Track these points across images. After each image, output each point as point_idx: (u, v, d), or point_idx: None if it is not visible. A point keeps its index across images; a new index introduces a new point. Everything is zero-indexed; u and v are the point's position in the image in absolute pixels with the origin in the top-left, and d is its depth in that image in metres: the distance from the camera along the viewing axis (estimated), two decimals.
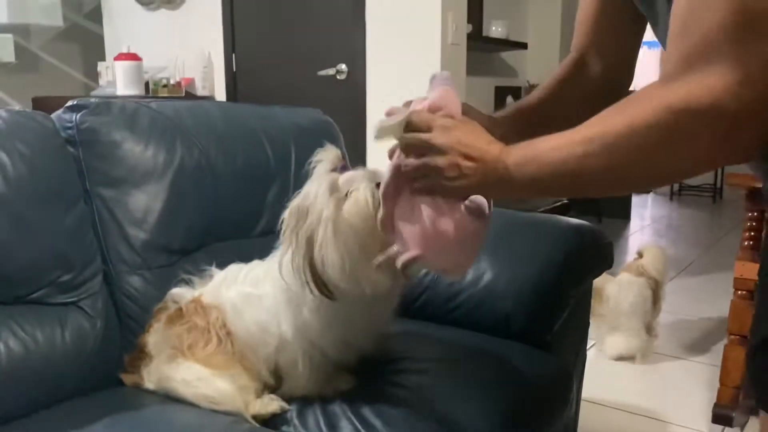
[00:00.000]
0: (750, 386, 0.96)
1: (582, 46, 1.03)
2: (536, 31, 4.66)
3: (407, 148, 0.84)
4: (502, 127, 0.80)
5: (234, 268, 1.16)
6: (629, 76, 1.03)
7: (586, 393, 1.70)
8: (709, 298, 3.18)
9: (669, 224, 5.46)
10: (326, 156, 0.99)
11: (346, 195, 0.94)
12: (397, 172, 0.87)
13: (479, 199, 0.81)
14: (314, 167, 0.99)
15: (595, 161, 0.70)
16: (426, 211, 0.84)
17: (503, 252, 1.42)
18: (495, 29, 4.11)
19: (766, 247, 0.90)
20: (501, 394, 1.14)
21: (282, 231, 0.99)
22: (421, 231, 0.85)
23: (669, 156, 0.67)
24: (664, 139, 0.65)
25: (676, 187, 6.80)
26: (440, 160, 0.80)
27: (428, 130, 0.82)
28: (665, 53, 0.67)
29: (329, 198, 0.94)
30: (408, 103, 0.90)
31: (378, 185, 0.95)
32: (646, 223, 5.46)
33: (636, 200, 6.08)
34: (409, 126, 0.84)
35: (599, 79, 1.02)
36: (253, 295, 1.09)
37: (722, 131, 0.63)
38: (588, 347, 1.73)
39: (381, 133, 0.87)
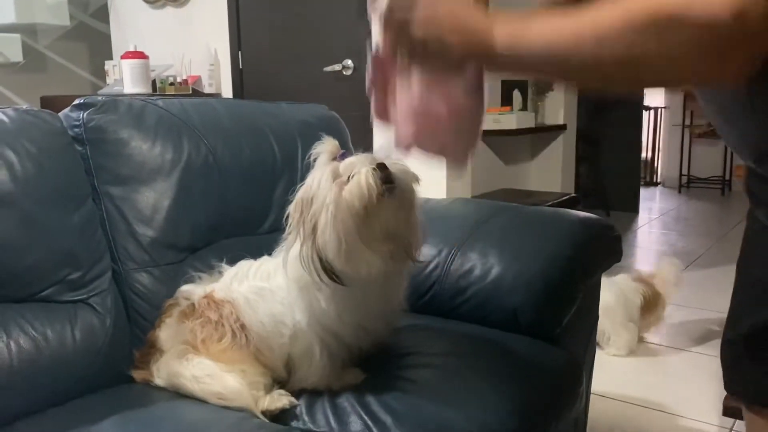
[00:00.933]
0: (734, 380, 0.95)
1: None
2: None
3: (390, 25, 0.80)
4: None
5: (244, 264, 1.17)
6: None
7: (595, 386, 1.70)
8: (718, 291, 3.17)
9: (677, 217, 5.43)
10: (325, 147, 1.01)
11: (348, 179, 0.96)
12: (379, 59, 0.84)
13: (470, 73, 0.79)
14: (314, 159, 1.01)
15: (585, 51, 0.67)
16: (416, 89, 0.82)
17: (511, 246, 1.42)
18: None
19: (745, 240, 0.89)
20: (510, 388, 1.14)
21: (288, 223, 1.01)
22: (413, 110, 0.83)
23: (658, 63, 0.63)
24: (654, 45, 0.62)
25: (684, 179, 6.76)
26: (423, 32, 0.76)
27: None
28: None
29: (332, 184, 0.96)
30: None
31: (378, 166, 0.97)
32: (655, 216, 5.44)
33: (644, 193, 6.05)
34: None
35: None
36: (266, 289, 1.11)
37: (715, 50, 0.59)
38: (597, 340, 1.73)
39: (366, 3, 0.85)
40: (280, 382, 1.10)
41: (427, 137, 0.85)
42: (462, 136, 0.87)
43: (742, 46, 0.59)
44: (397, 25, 0.79)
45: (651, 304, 2.55)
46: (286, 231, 1.05)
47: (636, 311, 2.54)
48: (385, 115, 0.88)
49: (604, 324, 2.49)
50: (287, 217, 1.03)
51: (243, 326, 1.10)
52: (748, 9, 0.57)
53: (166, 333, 1.14)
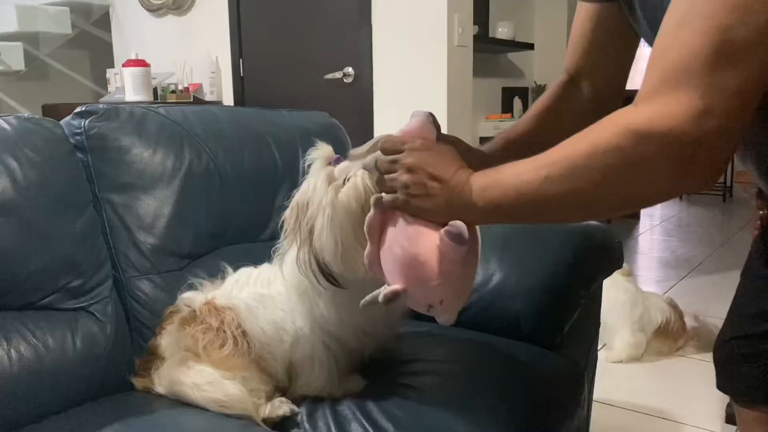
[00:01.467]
0: (726, 378, 0.98)
1: (573, 68, 1.03)
2: (543, 32, 4.65)
3: (379, 173, 0.85)
4: (493, 161, 0.81)
5: (245, 271, 1.18)
6: (619, 98, 1.02)
7: (597, 394, 1.70)
8: (720, 298, 3.16)
9: (679, 223, 5.43)
10: (319, 153, 1.01)
11: (344, 183, 0.97)
12: (379, 210, 0.87)
13: (459, 224, 0.79)
14: (309, 165, 1.01)
15: (557, 185, 0.69)
16: (407, 240, 0.83)
17: (513, 253, 1.42)
18: (501, 30, 4.11)
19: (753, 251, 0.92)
20: (512, 395, 1.13)
21: (285, 228, 1.01)
22: (402, 261, 0.84)
23: (629, 181, 0.66)
24: (623, 162, 0.65)
25: None
26: (406, 177, 0.81)
27: (399, 152, 0.83)
28: (644, 76, 0.66)
29: (327, 187, 0.96)
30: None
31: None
32: (656, 223, 5.43)
33: None
34: (382, 151, 0.85)
35: (589, 101, 1.01)
36: (266, 295, 1.11)
37: (681, 157, 0.62)
38: (599, 348, 1.72)
39: (353, 159, 0.87)
40: (281, 390, 1.10)
41: (416, 288, 0.85)
42: (452, 287, 0.87)
43: (704, 150, 0.62)
44: (383, 175, 0.84)
45: (670, 333, 2.54)
46: (282, 236, 1.05)
47: (650, 328, 2.54)
48: (377, 267, 0.89)
49: (613, 326, 2.51)
50: (283, 222, 1.04)
51: (244, 333, 1.10)
52: (703, 119, 0.60)
53: (167, 340, 1.14)
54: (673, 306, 2.60)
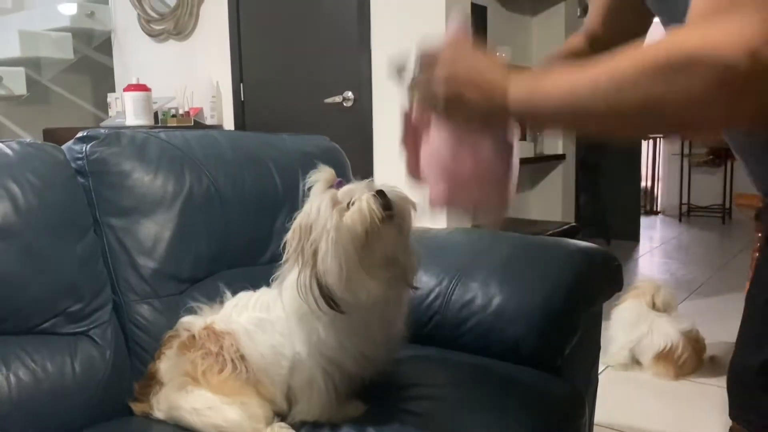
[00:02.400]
0: (741, 408, 0.95)
1: (590, 33, 1.03)
2: (540, 56, 4.69)
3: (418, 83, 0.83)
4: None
5: (244, 295, 1.18)
6: None
7: (598, 417, 1.68)
8: (720, 320, 3.15)
9: (678, 245, 5.43)
10: (321, 176, 1.02)
11: (348, 206, 0.97)
12: (409, 118, 0.87)
13: (497, 130, 0.80)
14: (310, 188, 1.02)
15: (601, 99, 0.66)
16: (444, 148, 0.83)
17: (512, 276, 1.42)
18: (499, 55, 4.14)
19: (756, 274, 0.91)
20: (512, 419, 1.13)
21: (286, 251, 1.02)
22: (442, 169, 0.84)
23: (675, 104, 0.62)
24: (671, 86, 0.61)
25: (684, 208, 6.78)
26: (442, 89, 0.78)
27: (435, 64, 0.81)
28: None
29: (332, 210, 0.96)
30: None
31: (378, 193, 0.98)
32: (656, 245, 5.43)
33: (645, 222, 6.06)
34: (420, 66, 0.83)
35: None
36: (265, 320, 1.11)
37: (731, 91, 0.58)
38: (600, 371, 1.72)
39: (393, 69, 0.87)
40: (280, 415, 1.10)
41: (457, 196, 0.86)
42: (492, 194, 0.88)
43: (758, 87, 0.58)
44: (422, 83, 0.82)
45: (673, 360, 2.53)
46: (283, 259, 1.05)
47: (650, 350, 2.54)
48: (417, 174, 0.89)
49: (611, 338, 2.57)
50: (284, 245, 1.04)
51: (243, 357, 1.09)
52: (762, 50, 0.56)
53: (166, 365, 1.14)
54: (691, 337, 2.57)
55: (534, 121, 0.76)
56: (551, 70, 0.73)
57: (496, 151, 0.82)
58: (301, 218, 1.01)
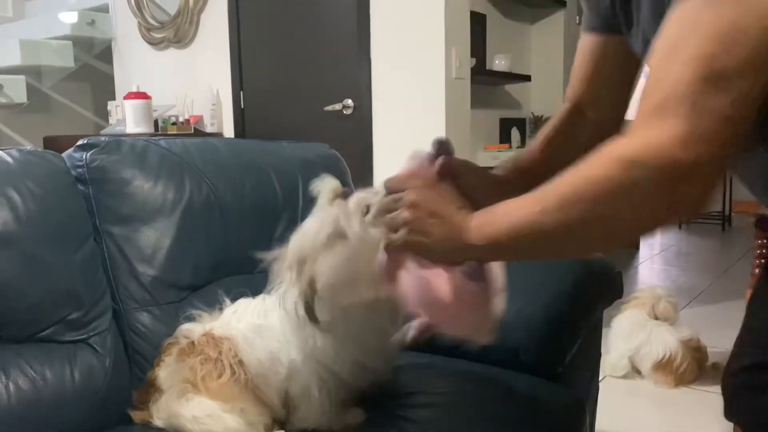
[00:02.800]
0: (736, 408, 0.97)
1: (575, 97, 1.04)
2: (539, 64, 4.71)
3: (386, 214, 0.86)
4: (506, 186, 0.82)
5: (244, 301, 1.17)
6: (621, 126, 1.04)
7: (599, 425, 1.68)
8: (721, 327, 3.14)
9: (678, 253, 5.43)
10: (326, 186, 1.00)
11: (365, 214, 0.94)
12: (390, 252, 0.88)
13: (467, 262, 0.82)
14: (315, 198, 1.00)
15: (550, 219, 0.70)
16: (422, 285, 0.85)
17: (512, 284, 1.41)
18: (498, 63, 4.16)
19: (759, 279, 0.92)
20: (513, 428, 1.13)
21: (278, 266, 1.00)
22: (423, 300, 0.86)
23: (622, 209, 0.67)
24: (616, 191, 0.65)
25: None
26: (406, 214, 0.82)
27: (401, 191, 0.84)
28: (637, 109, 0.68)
29: (353, 221, 0.94)
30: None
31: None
32: (656, 252, 5.43)
33: None
34: (386, 190, 0.87)
35: (593, 129, 1.02)
36: (263, 326, 1.10)
37: (671, 183, 0.63)
38: (600, 379, 1.71)
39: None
40: (279, 422, 1.09)
41: (442, 323, 0.88)
42: (477, 316, 0.89)
43: (695, 175, 0.63)
44: (387, 222, 0.85)
45: (672, 370, 2.52)
46: (275, 271, 1.04)
47: (648, 359, 2.54)
48: (405, 304, 0.91)
49: (610, 346, 2.58)
50: (277, 256, 1.02)
51: (242, 363, 1.09)
52: (691, 144, 0.62)
53: (165, 372, 1.14)
54: (692, 346, 2.56)
55: (495, 252, 0.79)
56: (503, 202, 0.76)
57: (469, 277, 0.83)
58: (301, 240, 0.98)
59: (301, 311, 0.98)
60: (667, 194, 0.64)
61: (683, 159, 0.62)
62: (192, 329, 1.17)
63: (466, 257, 0.81)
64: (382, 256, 0.88)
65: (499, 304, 0.90)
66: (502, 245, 0.76)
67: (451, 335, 0.92)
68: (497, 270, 0.89)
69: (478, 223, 0.77)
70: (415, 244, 0.82)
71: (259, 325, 1.11)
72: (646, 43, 0.81)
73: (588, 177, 0.67)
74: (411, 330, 0.90)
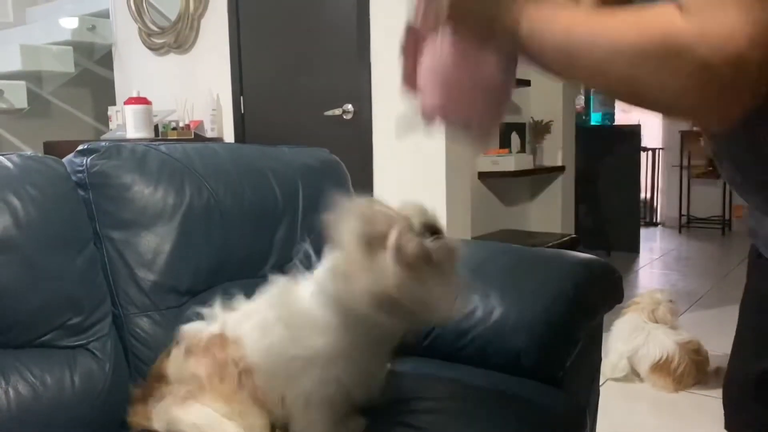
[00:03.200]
0: (737, 420, 0.95)
1: None
2: None
3: None
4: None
5: (250, 301, 1.16)
6: None
7: (600, 430, 1.67)
8: (721, 331, 3.14)
9: (678, 257, 5.43)
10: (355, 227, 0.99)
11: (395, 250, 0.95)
12: (413, 26, 0.84)
13: (501, 45, 0.78)
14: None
15: (594, 57, 0.67)
16: (445, 57, 0.81)
17: (513, 288, 1.42)
18: None
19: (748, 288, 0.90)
20: None
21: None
22: (440, 79, 0.82)
23: (661, 87, 0.63)
24: (661, 70, 0.62)
25: (684, 219, 6.78)
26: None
27: None
28: None
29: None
30: None
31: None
32: (656, 256, 5.43)
33: (645, 233, 6.06)
34: None
35: None
36: (268, 327, 1.09)
37: (713, 84, 0.59)
38: (601, 383, 1.71)
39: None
40: (283, 429, 1.09)
41: (452, 108, 0.84)
42: (488, 109, 0.86)
43: (749, 85, 0.59)
44: None
45: (670, 371, 2.52)
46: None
47: (646, 361, 2.54)
48: (413, 84, 0.87)
49: (609, 349, 2.60)
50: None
51: (246, 365, 1.08)
52: (755, 40, 0.57)
53: (174, 366, 1.13)
54: (690, 348, 2.56)
55: (534, 51, 0.75)
56: (563, 8, 0.73)
57: (498, 65, 0.80)
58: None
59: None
60: (706, 92, 0.60)
61: (734, 62, 0.57)
62: (200, 328, 1.16)
63: (504, 35, 0.77)
64: (410, 26, 0.84)
65: (509, 104, 0.88)
66: (543, 47, 0.73)
67: (455, 122, 0.87)
68: (516, 67, 0.85)
69: (535, 13, 0.73)
70: (456, 17, 0.78)
71: (265, 327, 1.09)
72: None
73: (638, 39, 0.64)
74: (421, 115, 0.85)
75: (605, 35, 0.67)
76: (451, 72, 0.82)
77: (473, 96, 0.83)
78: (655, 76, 0.63)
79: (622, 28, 0.66)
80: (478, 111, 0.85)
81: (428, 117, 0.85)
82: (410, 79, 0.87)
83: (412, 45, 0.86)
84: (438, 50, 0.83)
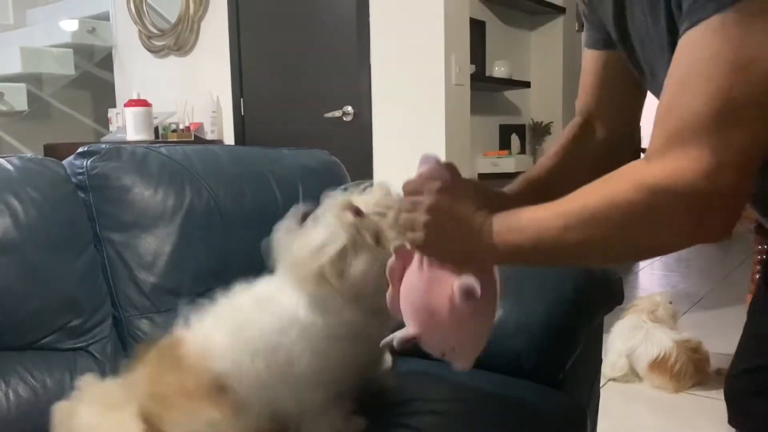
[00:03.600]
0: (738, 413, 0.97)
1: (585, 111, 1.04)
2: (539, 70, 4.72)
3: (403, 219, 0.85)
4: (514, 203, 0.82)
5: (224, 304, 1.12)
6: (633, 139, 1.04)
7: (600, 431, 1.67)
8: (721, 333, 3.14)
9: (679, 258, 5.42)
10: (337, 202, 0.99)
11: (375, 239, 0.95)
12: (401, 254, 0.87)
13: (470, 280, 0.80)
14: (322, 210, 0.99)
15: (574, 234, 0.71)
16: (422, 287, 0.84)
17: (513, 290, 1.41)
18: (498, 69, 4.17)
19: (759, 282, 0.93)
20: None
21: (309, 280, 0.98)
22: (416, 307, 0.84)
23: (645, 233, 0.68)
24: (640, 216, 0.67)
25: None
26: (425, 218, 0.81)
27: (419, 194, 0.83)
28: (652, 132, 0.68)
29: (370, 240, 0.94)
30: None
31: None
32: (656, 258, 5.43)
33: None
34: (404, 193, 0.86)
35: (604, 140, 1.03)
36: (245, 330, 1.05)
37: (695, 213, 0.65)
38: (601, 385, 1.71)
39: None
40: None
41: (430, 335, 0.86)
42: (465, 338, 0.88)
43: (717, 205, 0.65)
44: (406, 222, 0.84)
45: (668, 369, 2.53)
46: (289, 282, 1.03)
47: (644, 359, 2.55)
48: (398, 309, 0.90)
49: (609, 347, 2.62)
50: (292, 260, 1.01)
51: (218, 372, 1.03)
52: (714, 174, 0.63)
53: (137, 380, 1.07)
54: (688, 347, 2.57)
55: (514, 257, 0.79)
56: (526, 209, 0.77)
57: (464, 297, 0.81)
58: (332, 246, 0.97)
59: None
60: (691, 221, 0.66)
61: (707, 190, 0.63)
62: (174, 336, 1.13)
63: (482, 259, 0.81)
64: (392, 258, 0.87)
65: (487, 330, 0.89)
66: (523, 253, 0.77)
67: (432, 351, 0.89)
68: (497, 291, 0.88)
69: (501, 228, 0.77)
70: (431, 246, 0.82)
71: (241, 330, 1.05)
72: (641, 63, 0.81)
73: (612, 199, 0.68)
74: (395, 340, 0.88)
75: (579, 209, 0.71)
76: (427, 302, 0.83)
77: (450, 327, 0.84)
78: (643, 224, 0.67)
79: (591, 201, 0.70)
80: (456, 341, 0.87)
81: (405, 344, 0.87)
82: (394, 303, 0.89)
83: (399, 269, 0.88)
84: (414, 277, 0.85)
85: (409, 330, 0.86)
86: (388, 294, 0.90)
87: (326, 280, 0.96)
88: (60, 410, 1.00)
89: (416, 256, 0.86)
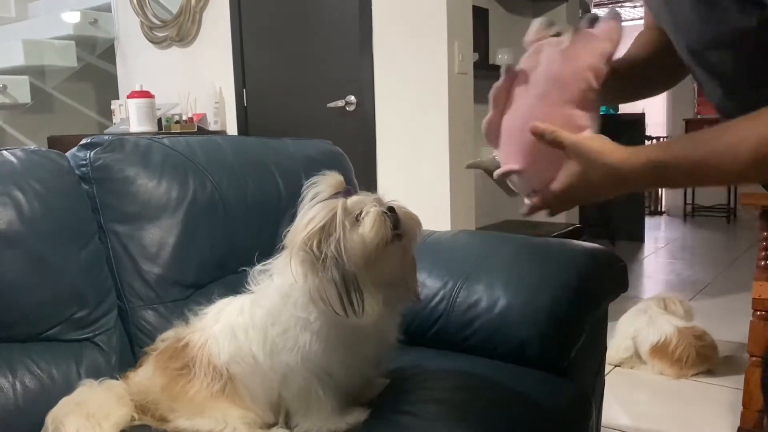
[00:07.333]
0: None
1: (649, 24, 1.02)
2: None
3: None
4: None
5: (224, 302, 1.14)
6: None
7: (605, 419, 1.68)
8: (727, 320, 3.14)
9: (683, 246, 5.41)
10: (328, 181, 1.00)
11: (357, 218, 0.95)
12: (514, 76, 0.82)
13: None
14: (315, 193, 0.99)
15: (718, 175, 0.74)
16: (534, 117, 0.79)
17: (517, 278, 1.42)
18: (501, 57, 4.14)
19: None
20: (519, 423, 1.12)
21: (296, 256, 0.98)
22: (530, 147, 0.80)
23: None
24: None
25: (689, 208, 6.75)
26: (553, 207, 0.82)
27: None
28: None
29: (344, 220, 0.95)
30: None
31: (389, 210, 0.96)
32: (660, 245, 5.42)
33: (649, 222, 6.04)
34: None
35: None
36: (247, 327, 1.06)
37: None
38: (606, 372, 1.71)
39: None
40: (269, 425, 1.07)
41: (533, 173, 0.82)
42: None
43: None
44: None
45: (669, 355, 2.53)
46: (284, 263, 1.02)
47: (645, 344, 2.56)
48: (494, 140, 0.86)
49: (619, 330, 2.65)
50: (290, 249, 1.01)
51: (220, 368, 1.05)
52: None
53: (142, 378, 1.10)
54: (690, 333, 2.57)
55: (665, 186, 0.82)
56: (676, 140, 0.78)
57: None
58: (311, 222, 0.97)
59: (333, 294, 0.95)
60: None
61: None
62: (168, 336, 1.14)
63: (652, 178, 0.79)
64: (499, 81, 0.84)
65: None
66: (670, 176, 0.77)
67: (522, 189, 0.85)
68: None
69: (657, 152, 0.76)
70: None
71: (242, 326, 1.07)
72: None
73: (757, 157, 0.69)
74: (495, 172, 0.84)
75: (732, 156, 0.72)
76: (538, 145, 0.78)
77: (551, 170, 0.79)
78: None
79: (741, 152, 0.71)
80: (549, 180, 0.81)
81: (506, 176, 0.84)
82: (492, 128, 0.85)
83: (505, 92, 0.83)
84: (527, 119, 0.79)
85: (512, 163, 0.82)
86: (486, 118, 0.86)
87: (309, 251, 0.96)
88: (50, 418, 1.01)
89: (530, 84, 0.81)
